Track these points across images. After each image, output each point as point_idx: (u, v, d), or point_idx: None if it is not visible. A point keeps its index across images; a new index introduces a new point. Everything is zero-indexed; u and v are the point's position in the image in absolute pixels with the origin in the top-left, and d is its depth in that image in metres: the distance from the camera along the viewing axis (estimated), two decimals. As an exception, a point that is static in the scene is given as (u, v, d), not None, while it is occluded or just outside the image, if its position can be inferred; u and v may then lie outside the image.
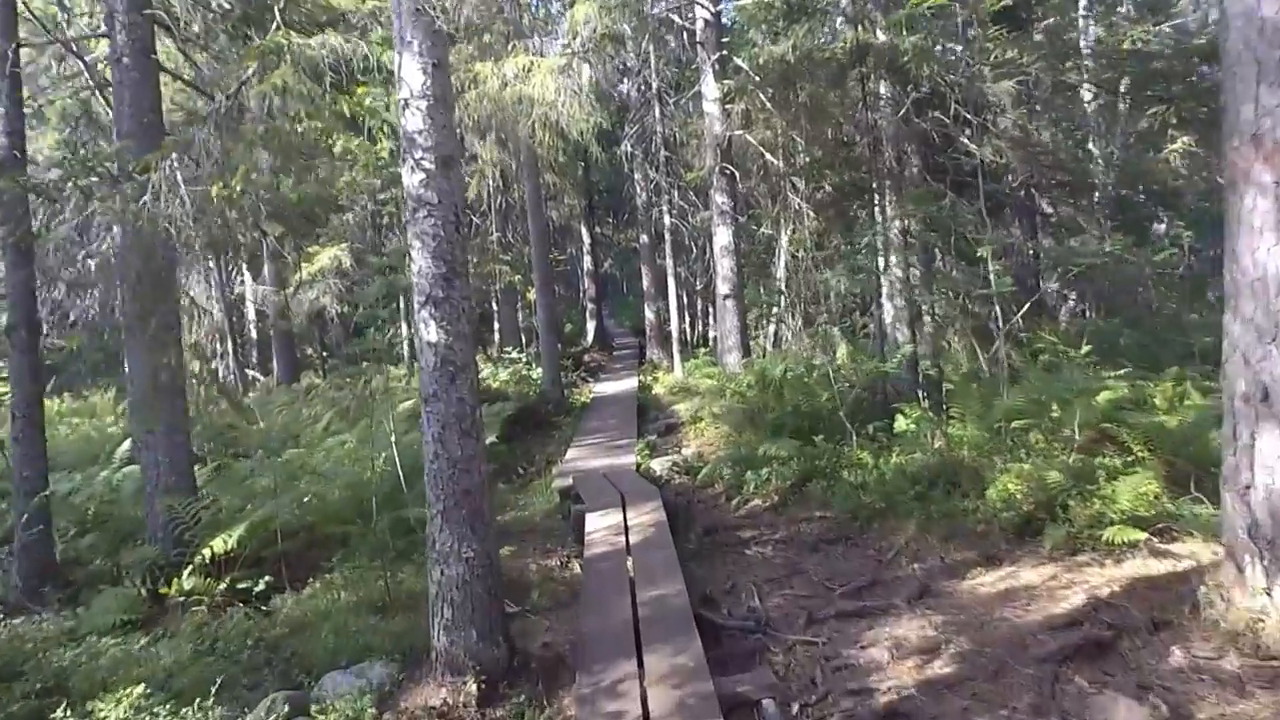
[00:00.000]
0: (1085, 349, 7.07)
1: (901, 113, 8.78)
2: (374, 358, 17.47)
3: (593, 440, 10.28)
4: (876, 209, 9.15)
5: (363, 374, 14.39)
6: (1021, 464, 5.74)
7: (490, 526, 4.04)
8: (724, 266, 11.67)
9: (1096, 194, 11.31)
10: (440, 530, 3.89)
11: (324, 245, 15.18)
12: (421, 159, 3.80)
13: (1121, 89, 11.18)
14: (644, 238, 19.12)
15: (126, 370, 6.91)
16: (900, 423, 7.13)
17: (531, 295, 13.97)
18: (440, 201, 3.84)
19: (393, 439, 6.67)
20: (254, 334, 17.67)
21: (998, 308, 6.32)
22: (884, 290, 9.11)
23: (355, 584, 5.52)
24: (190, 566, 5.33)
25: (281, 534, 5.75)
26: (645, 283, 19.20)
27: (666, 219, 15.93)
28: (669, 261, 16.00)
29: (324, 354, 19.76)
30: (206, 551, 5.26)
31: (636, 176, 18.80)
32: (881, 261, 9.03)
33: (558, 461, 9.54)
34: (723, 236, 11.65)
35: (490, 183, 16.82)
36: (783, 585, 5.29)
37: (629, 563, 5.32)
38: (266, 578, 5.40)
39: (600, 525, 6.08)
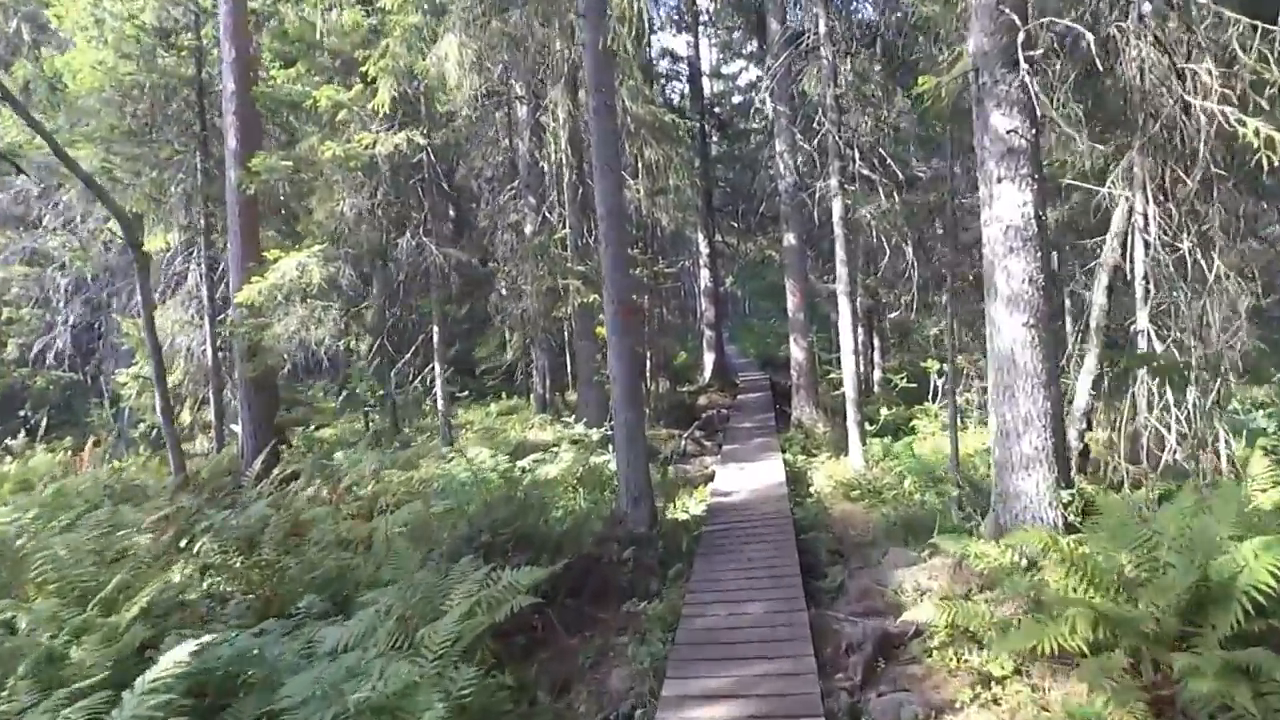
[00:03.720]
0: None
1: None
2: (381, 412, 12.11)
3: (712, 691, 4.15)
4: None
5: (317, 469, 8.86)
6: None
7: None
8: (1013, 270, 5.22)
9: None
10: None
11: (294, 247, 9.91)
12: None
13: None
14: (790, 238, 12.77)
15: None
16: None
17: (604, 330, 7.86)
18: None
19: None
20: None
21: None
22: None
23: None
24: None
25: None
26: (790, 305, 12.83)
27: (836, 205, 9.55)
28: (841, 270, 9.59)
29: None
30: None
31: (779, 147, 12.51)
32: None
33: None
34: (1009, 207, 5.22)
35: (554, 153, 11.07)
36: None
37: None
38: None
39: None
